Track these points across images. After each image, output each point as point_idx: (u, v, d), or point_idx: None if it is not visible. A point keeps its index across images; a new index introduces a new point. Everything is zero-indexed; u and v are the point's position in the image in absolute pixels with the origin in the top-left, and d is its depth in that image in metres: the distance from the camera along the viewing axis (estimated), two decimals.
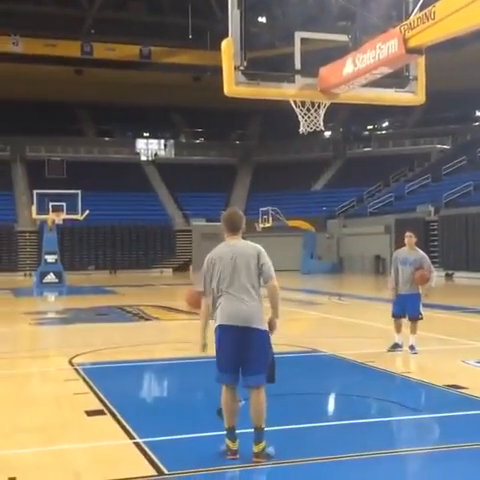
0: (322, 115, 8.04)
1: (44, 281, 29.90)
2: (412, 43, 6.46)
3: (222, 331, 5.52)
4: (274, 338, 5.68)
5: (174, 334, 14.19)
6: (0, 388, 8.65)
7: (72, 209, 31.70)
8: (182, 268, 45.00)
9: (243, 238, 5.80)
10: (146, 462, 5.40)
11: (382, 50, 6.74)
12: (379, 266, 39.72)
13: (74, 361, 10.06)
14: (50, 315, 18.68)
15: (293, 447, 5.72)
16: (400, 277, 10.51)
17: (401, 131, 54.06)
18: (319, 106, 8.01)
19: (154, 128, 56.39)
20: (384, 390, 8.16)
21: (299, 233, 40.91)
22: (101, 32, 45.80)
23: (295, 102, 7.92)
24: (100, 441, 6.11)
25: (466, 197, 37.10)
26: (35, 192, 32.44)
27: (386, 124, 56.37)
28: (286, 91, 7.63)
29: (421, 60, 7.44)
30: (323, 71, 7.63)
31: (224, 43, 7.25)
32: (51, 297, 25.76)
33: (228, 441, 5.48)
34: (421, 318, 10.43)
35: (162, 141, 56.64)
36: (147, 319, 16.71)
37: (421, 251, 10.73)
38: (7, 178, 49.05)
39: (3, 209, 45.02)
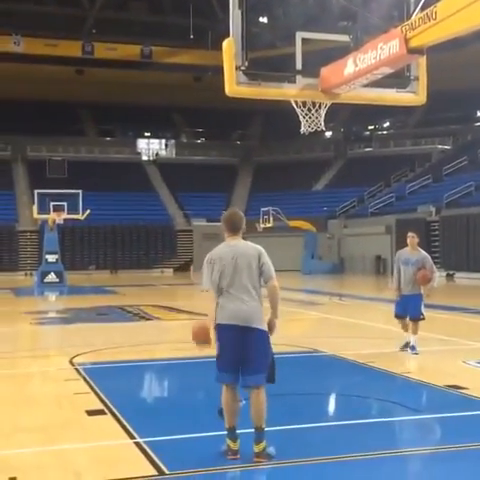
0: (323, 115, 8.04)
1: (45, 281, 29.91)
2: (413, 43, 6.46)
3: (222, 330, 5.52)
4: (274, 338, 5.68)
5: (175, 334, 14.18)
6: (1, 388, 8.65)
7: (73, 209, 31.71)
8: (183, 268, 45.02)
9: (243, 238, 5.81)
10: (147, 462, 5.40)
11: (383, 50, 6.74)
12: (380, 266, 39.73)
13: (75, 361, 10.07)
14: (51, 315, 18.68)
15: (294, 447, 5.71)
16: (402, 277, 10.50)
17: (402, 131, 54.05)
18: (320, 106, 8.02)
19: (155, 128, 56.41)
20: (385, 390, 8.15)
21: (300, 233, 40.90)
22: (102, 32, 45.81)
23: (296, 102, 7.92)
24: (101, 441, 6.11)
25: (467, 197, 37.08)
26: (36, 192, 32.47)
27: (387, 124, 56.36)
28: (287, 91, 7.63)
29: (422, 60, 7.44)
30: (324, 71, 7.64)
31: (225, 43, 7.25)
32: (52, 297, 25.76)
33: (229, 441, 5.48)
34: (422, 318, 10.43)
35: (163, 141, 56.66)
36: (148, 319, 16.71)
37: (423, 251, 10.73)
38: (8, 178, 49.09)
39: (4, 209, 45.05)
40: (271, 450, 5.44)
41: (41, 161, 48.58)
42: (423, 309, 10.42)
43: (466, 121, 51.60)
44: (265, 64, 7.73)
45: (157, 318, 16.89)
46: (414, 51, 6.54)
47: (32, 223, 41.47)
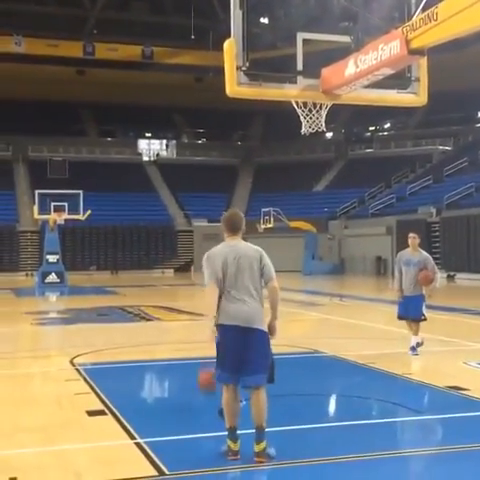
0: (324, 116, 8.04)
1: (46, 281, 29.91)
2: (414, 44, 6.47)
3: (223, 331, 5.52)
4: (275, 339, 5.69)
5: (175, 335, 14.19)
6: (1, 388, 8.65)
7: (74, 209, 31.71)
8: (183, 269, 45.02)
9: (243, 239, 5.82)
10: (147, 462, 5.40)
11: (384, 51, 6.75)
12: (380, 267, 39.73)
13: (75, 361, 10.07)
14: (51, 315, 18.69)
15: (294, 448, 5.71)
16: (404, 278, 10.50)
17: (403, 132, 54.03)
18: (321, 107, 8.03)
19: (156, 128, 56.41)
20: (385, 391, 8.15)
21: (300, 234, 40.90)
22: (103, 32, 45.79)
23: (297, 103, 7.93)
24: (101, 441, 6.11)
25: (468, 198, 37.07)
26: (37, 192, 32.46)
27: (388, 125, 56.33)
28: (288, 92, 7.63)
29: (423, 61, 7.45)
30: (325, 72, 7.64)
31: (226, 44, 7.26)
32: (52, 297, 25.76)
33: (229, 441, 5.48)
34: (424, 319, 10.42)
35: (164, 141, 56.67)
36: (148, 319, 16.71)
37: (425, 252, 10.73)
38: (9, 178, 49.08)
39: (5, 209, 45.05)
40: (271, 451, 5.44)
41: (42, 161, 48.61)
42: (425, 310, 10.42)
43: (467, 122, 51.58)
44: (266, 65, 7.74)
45: (158, 319, 16.89)
46: (415, 52, 6.55)
47: (33, 223, 41.48)
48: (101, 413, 7.02)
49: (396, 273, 10.77)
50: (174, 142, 56.77)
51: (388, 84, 7.58)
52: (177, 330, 14.87)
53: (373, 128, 55.98)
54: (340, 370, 9.72)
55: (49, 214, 31.17)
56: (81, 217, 32.21)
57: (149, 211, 47.04)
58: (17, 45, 44.53)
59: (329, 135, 54.12)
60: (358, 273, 40.13)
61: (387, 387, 8.52)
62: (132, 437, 6.13)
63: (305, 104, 7.96)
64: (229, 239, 5.75)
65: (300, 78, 7.57)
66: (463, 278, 33.25)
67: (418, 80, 7.67)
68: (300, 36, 7.56)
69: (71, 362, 10.02)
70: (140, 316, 17.36)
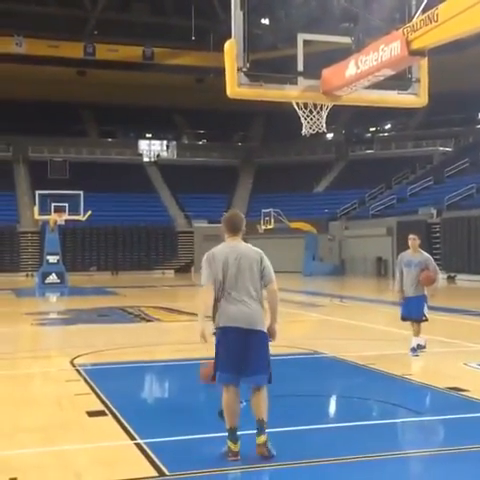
0: (324, 117, 8.04)
1: (46, 282, 29.92)
2: (415, 45, 6.46)
3: (225, 333, 5.52)
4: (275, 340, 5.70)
5: (175, 335, 14.19)
6: (1, 388, 8.65)
7: (74, 210, 31.71)
8: (184, 269, 45.03)
9: (244, 240, 5.83)
10: (147, 463, 5.40)
11: (385, 52, 6.75)
12: (381, 268, 39.71)
13: (75, 362, 10.07)
14: (52, 316, 18.69)
15: (294, 449, 5.71)
16: (405, 280, 10.49)
17: (403, 133, 54.03)
18: (321, 108, 8.03)
19: (156, 129, 56.43)
20: (385, 392, 8.15)
21: (301, 235, 40.90)
22: (104, 33, 45.81)
23: (297, 104, 7.93)
24: (101, 442, 6.11)
25: (468, 200, 37.05)
26: (37, 193, 32.47)
27: (388, 126, 56.35)
28: (289, 93, 7.63)
29: (424, 62, 7.45)
30: (326, 73, 7.64)
31: (227, 44, 7.26)
32: (53, 298, 25.77)
33: (229, 442, 5.48)
34: (425, 320, 10.43)
35: (164, 142, 56.69)
36: (148, 320, 16.71)
37: (425, 253, 10.73)
38: (9, 178, 49.09)
39: (5, 209, 45.05)
40: (272, 448, 5.46)
41: (42, 162, 48.64)
42: (426, 311, 10.41)
43: (468, 123, 51.58)
44: (267, 65, 7.74)
45: (158, 319, 16.90)
46: (415, 53, 6.55)
47: (33, 224, 41.49)
48: (101, 414, 7.02)
49: (396, 274, 10.77)
50: (174, 143, 56.79)
51: (389, 85, 7.58)
52: (177, 331, 14.86)
53: (374, 129, 55.99)
54: (340, 371, 9.72)
55: (49, 215, 31.17)
56: (81, 218, 32.22)
57: (149, 212, 47.04)
58: (18, 46, 44.56)
59: (330, 136, 54.12)
60: (358, 274, 40.12)
61: (387, 388, 8.52)
62: (132, 438, 6.13)
63: (306, 105, 7.96)
64: (229, 240, 5.76)
65: (301, 79, 7.57)
66: (463, 279, 33.23)
67: (419, 81, 7.67)
68: (301, 37, 7.57)
69: (71, 363, 10.02)
70: (140, 317, 17.36)
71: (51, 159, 49.35)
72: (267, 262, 5.68)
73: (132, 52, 47.46)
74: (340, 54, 7.57)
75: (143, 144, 56.06)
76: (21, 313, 18.93)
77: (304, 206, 46.33)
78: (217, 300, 5.60)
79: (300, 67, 7.56)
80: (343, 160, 53.84)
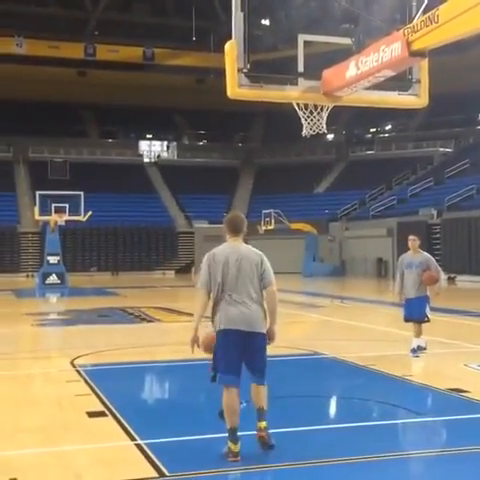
0: (325, 118, 8.04)
1: (46, 282, 29.94)
2: (415, 46, 6.46)
3: (226, 335, 5.54)
4: (275, 341, 5.71)
5: (175, 336, 14.17)
6: (2, 389, 8.65)
7: (75, 210, 31.74)
8: (184, 270, 45.03)
9: (245, 241, 5.84)
10: (147, 463, 5.40)
11: (385, 53, 6.75)
12: (381, 269, 39.71)
13: (76, 362, 10.07)
14: (52, 316, 18.69)
15: (294, 449, 5.71)
16: (406, 281, 10.49)
17: (404, 134, 54.05)
18: (322, 109, 8.02)
19: (157, 130, 56.45)
20: (385, 393, 8.14)
21: (301, 236, 40.91)
22: (104, 34, 45.87)
23: (298, 105, 7.93)
24: (101, 442, 6.11)
25: (469, 200, 37.06)
26: (38, 193, 32.50)
27: (389, 127, 56.37)
28: (289, 94, 7.63)
29: (424, 63, 7.45)
30: (326, 74, 7.64)
31: (227, 45, 7.26)
32: (53, 298, 25.77)
33: (230, 443, 5.47)
34: (427, 321, 10.41)
35: (165, 143, 56.74)
36: (149, 321, 16.71)
37: (426, 253, 10.73)
38: (10, 179, 49.12)
39: (6, 210, 45.07)
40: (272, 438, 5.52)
41: (43, 162, 48.67)
42: (428, 311, 10.41)
43: (468, 124, 51.60)
44: (267, 66, 7.74)
45: (158, 320, 16.90)
46: (416, 54, 6.55)
47: (34, 224, 41.51)
48: (101, 414, 7.01)
49: (397, 276, 10.77)
50: (175, 143, 56.83)
51: (389, 86, 7.58)
52: (177, 331, 14.84)
53: (374, 130, 56.02)
54: (340, 372, 9.71)
55: (50, 215, 31.21)
56: (82, 218, 32.23)
57: (150, 212, 47.06)
58: (18, 46, 44.61)
59: (330, 137, 54.16)
60: (359, 275, 40.12)
61: (387, 389, 8.51)
62: (132, 438, 6.13)
63: (306, 106, 7.96)
64: (231, 240, 5.78)
65: (301, 80, 7.57)
66: (464, 280, 33.22)
67: (419, 82, 7.67)
68: (301, 38, 7.57)
69: (72, 363, 10.02)
70: (141, 317, 17.36)
71: (51, 159, 49.38)
72: (267, 264, 5.69)
73: (133, 53, 47.51)
74: (340, 55, 7.57)
75: (143, 145, 56.11)
76: (21, 314, 18.93)
77: (304, 207, 46.34)
78: (217, 302, 5.61)
79: (300, 68, 7.56)
80: (343, 161, 53.85)
